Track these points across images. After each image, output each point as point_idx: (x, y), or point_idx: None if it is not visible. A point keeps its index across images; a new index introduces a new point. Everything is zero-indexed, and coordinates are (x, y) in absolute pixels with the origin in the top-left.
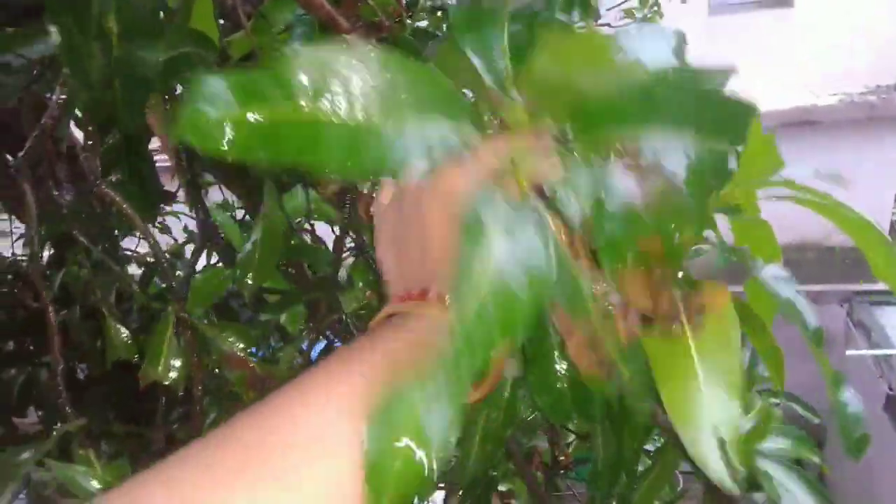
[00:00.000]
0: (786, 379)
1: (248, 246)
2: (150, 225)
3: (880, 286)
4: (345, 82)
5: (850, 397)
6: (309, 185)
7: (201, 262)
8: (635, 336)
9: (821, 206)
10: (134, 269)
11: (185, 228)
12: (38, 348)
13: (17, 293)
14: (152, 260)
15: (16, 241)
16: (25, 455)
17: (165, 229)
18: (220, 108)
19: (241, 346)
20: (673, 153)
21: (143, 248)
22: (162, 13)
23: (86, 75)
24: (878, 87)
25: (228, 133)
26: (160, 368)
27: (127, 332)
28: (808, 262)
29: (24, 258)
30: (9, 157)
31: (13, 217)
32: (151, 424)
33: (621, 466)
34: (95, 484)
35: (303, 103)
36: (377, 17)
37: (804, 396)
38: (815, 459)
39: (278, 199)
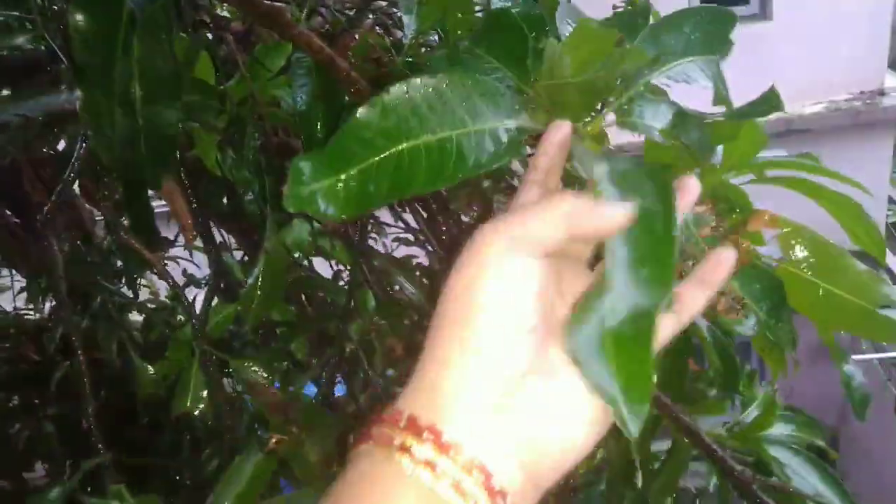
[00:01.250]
0: (797, 387)
1: (251, 280)
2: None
3: None
4: (409, 114)
5: (852, 369)
6: (312, 219)
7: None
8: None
9: (806, 185)
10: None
11: (185, 272)
12: (41, 402)
13: (20, 347)
14: (153, 306)
15: (17, 294)
16: (55, 492)
17: (164, 274)
18: (312, 183)
19: (264, 375)
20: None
21: (142, 295)
22: None
23: (109, 138)
24: (862, 94)
25: (326, 200)
26: (188, 401)
27: (152, 369)
28: None
29: (26, 311)
30: (7, 211)
31: (13, 271)
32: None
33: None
34: None
35: (382, 143)
36: (370, 54)
37: (817, 403)
38: (820, 443)
39: (278, 233)
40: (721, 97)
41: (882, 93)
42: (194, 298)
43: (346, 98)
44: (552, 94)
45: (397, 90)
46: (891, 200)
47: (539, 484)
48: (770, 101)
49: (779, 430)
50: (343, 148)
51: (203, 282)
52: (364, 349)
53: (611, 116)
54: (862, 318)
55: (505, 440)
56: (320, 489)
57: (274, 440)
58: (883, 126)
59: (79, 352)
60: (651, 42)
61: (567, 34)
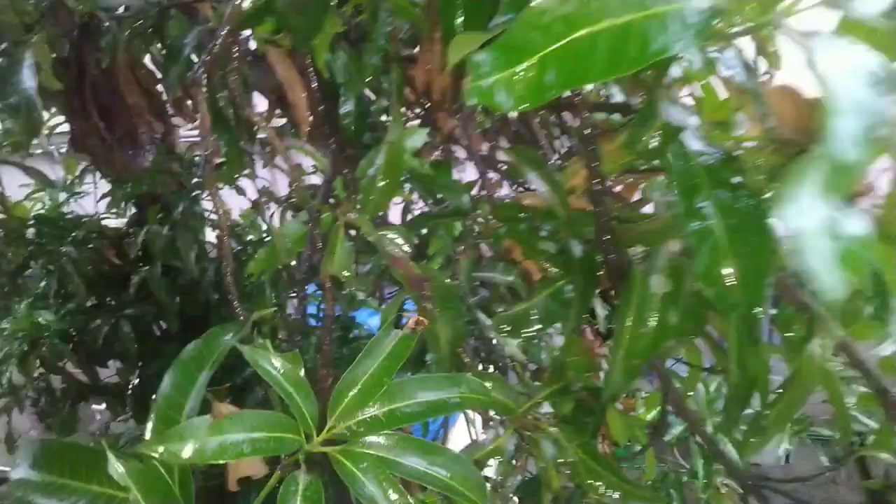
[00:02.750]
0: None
1: (371, 171)
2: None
3: None
4: None
5: None
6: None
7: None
8: None
9: None
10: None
11: (263, 188)
12: (119, 303)
13: (102, 250)
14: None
15: (99, 200)
16: (227, 337)
17: (240, 191)
18: (491, 75)
19: (405, 247)
20: None
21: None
22: None
23: None
24: None
25: (505, 92)
26: (336, 265)
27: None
28: None
29: (107, 216)
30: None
31: (96, 176)
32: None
33: (754, 387)
34: (277, 364)
35: (561, 28)
36: None
37: None
38: None
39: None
40: None
41: None
42: (272, 215)
43: None
44: None
45: None
46: None
47: None
48: None
49: None
50: (521, 37)
51: (283, 200)
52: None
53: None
54: None
55: None
56: (446, 369)
57: (414, 320)
58: None
59: (157, 261)
60: None
61: None
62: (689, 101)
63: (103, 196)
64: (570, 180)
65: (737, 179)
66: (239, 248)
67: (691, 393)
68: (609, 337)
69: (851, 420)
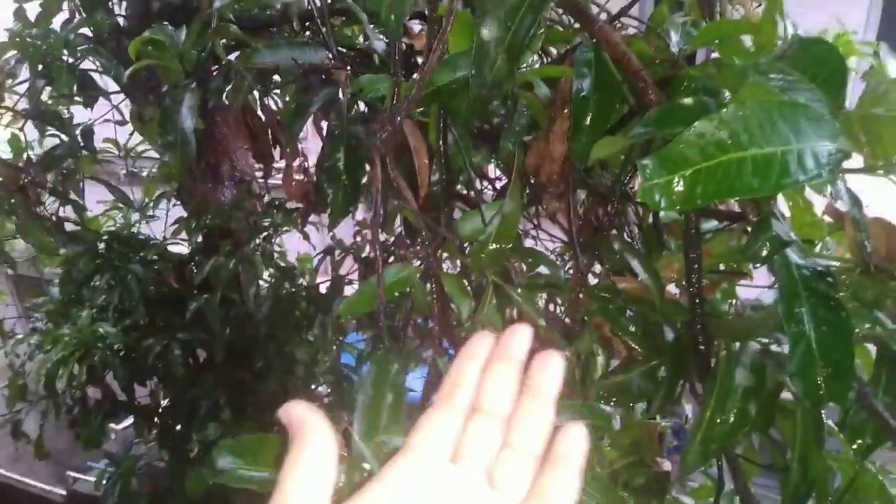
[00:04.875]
0: None
1: (483, 236)
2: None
3: None
4: (741, 129)
5: None
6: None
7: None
8: None
9: None
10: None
11: (333, 237)
12: (171, 325)
13: (164, 273)
14: (283, 264)
15: (171, 225)
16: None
17: (306, 236)
18: (652, 178)
19: (534, 307)
20: None
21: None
22: None
23: (485, 77)
24: None
25: (661, 195)
26: (484, 319)
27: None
28: None
29: (172, 242)
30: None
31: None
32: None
33: (813, 489)
34: None
35: (715, 150)
36: (658, 57)
37: None
38: None
39: (518, 199)
40: None
41: None
42: (320, 261)
43: (621, 95)
44: (869, 123)
45: (732, 108)
46: None
47: None
48: None
49: None
50: (680, 152)
51: (350, 249)
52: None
53: None
54: None
55: None
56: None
57: None
58: None
59: (218, 290)
60: None
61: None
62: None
63: (175, 222)
64: (661, 272)
65: (829, 292)
66: (293, 290)
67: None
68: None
69: None
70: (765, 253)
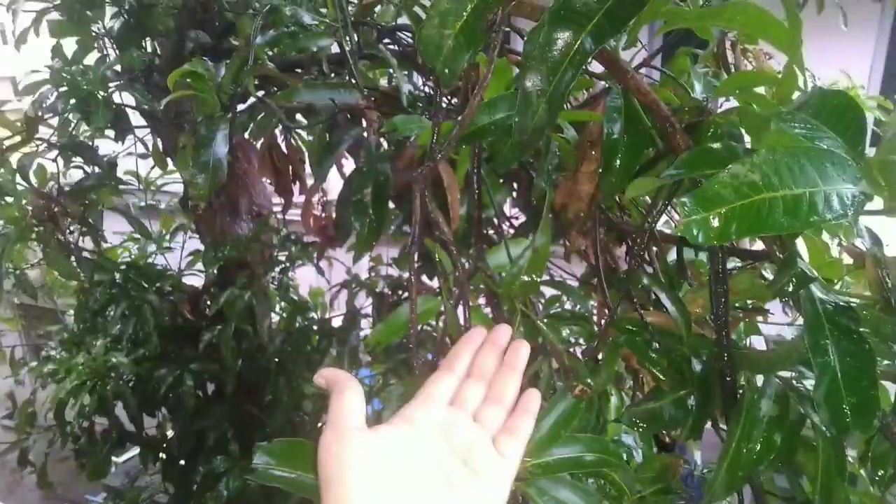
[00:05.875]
0: None
1: (514, 269)
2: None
3: None
4: (771, 171)
5: None
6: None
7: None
8: None
9: None
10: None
11: (349, 271)
12: (183, 356)
13: (178, 304)
14: (295, 297)
15: (187, 256)
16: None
17: (320, 270)
18: (691, 215)
19: (559, 337)
20: None
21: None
22: None
23: (527, 125)
24: None
25: (698, 230)
26: None
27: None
28: None
29: (188, 273)
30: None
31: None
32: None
33: None
34: None
35: (748, 190)
36: (676, 105)
37: None
38: None
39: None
40: None
41: None
42: (334, 295)
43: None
44: (888, 169)
45: (763, 152)
46: None
47: None
48: None
49: None
50: (715, 191)
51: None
52: None
53: None
54: None
55: None
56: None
57: (578, 388)
58: None
59: (232, 322)
60: None
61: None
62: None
63: (190, 254)
64: (687, 306)
65: (851, 326)
66: (305, 323)
67: None
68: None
69: None
70: (790, 288)
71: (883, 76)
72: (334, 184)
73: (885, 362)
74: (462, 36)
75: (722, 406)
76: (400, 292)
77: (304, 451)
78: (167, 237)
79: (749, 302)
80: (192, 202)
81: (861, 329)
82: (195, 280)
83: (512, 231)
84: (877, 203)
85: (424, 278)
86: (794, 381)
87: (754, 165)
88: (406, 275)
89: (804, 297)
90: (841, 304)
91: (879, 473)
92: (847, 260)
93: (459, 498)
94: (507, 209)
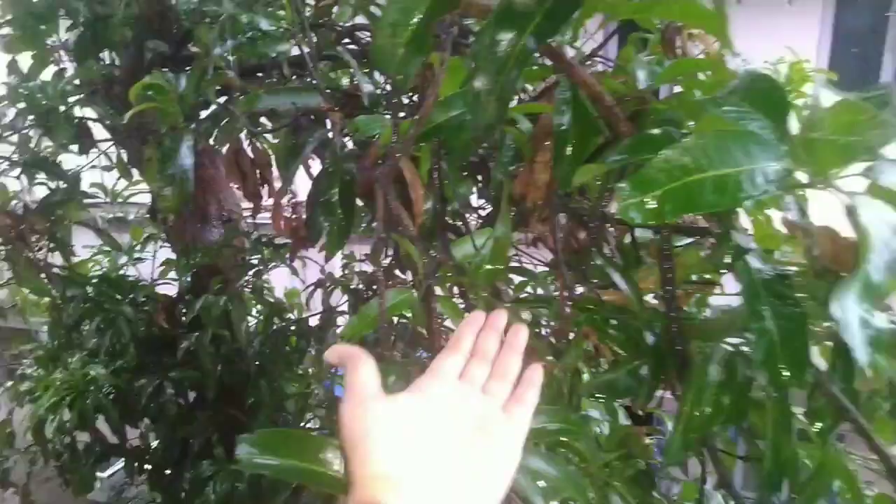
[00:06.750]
0: None
1: (478, 259)
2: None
3: None
4: (700, 154)
5: None
6: None
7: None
8: None
9: None
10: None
11: (322, 270)
12: (162, 365)
13: (154, 314)
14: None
15: (160, 266)
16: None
17: (294, 272)
18: (628, 199)
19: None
20: None
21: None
22: None
23: (480, 123)
24: None
25: (635, 212)
26: None
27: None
28: None
29: (163, 282)
30: None
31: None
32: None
33: (785, 474)
34: None
35: (679, 173)
36: (630, 93)
37: None
38: None
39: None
40: None
41: None
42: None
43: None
44: (810, 146)
45: (693, 137)
46: None
47: None
48: None
49: None
50: (649, 175)
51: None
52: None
53: (855, 169)
54: None
55: None
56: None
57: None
58: None
59: (209, 329)
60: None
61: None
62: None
63: (163, 263)
64: (640, 283)
65: (786, 292)
66: (282, 324)
67: None
68: (644, 419)
69: None
70: (728, 260)
71: (831, 48)
72: (304, 185)
73: (825, 324)
74: (412, 44)
75: (675, 375)
76: (374, 287)
77: (286, 439)
78: (138, 248)
79: (705, 276)
80: (161, 213)
81: (797, 294)
82: (169, 289)
83: (480, 222)
84: None
85: (400, 272)
86: (740, 348)
87: (685, 149)
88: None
89: (741, 267)
90: (776, 272)
91: (818, 426)
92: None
93: (477, 455)
94: (477, 201)
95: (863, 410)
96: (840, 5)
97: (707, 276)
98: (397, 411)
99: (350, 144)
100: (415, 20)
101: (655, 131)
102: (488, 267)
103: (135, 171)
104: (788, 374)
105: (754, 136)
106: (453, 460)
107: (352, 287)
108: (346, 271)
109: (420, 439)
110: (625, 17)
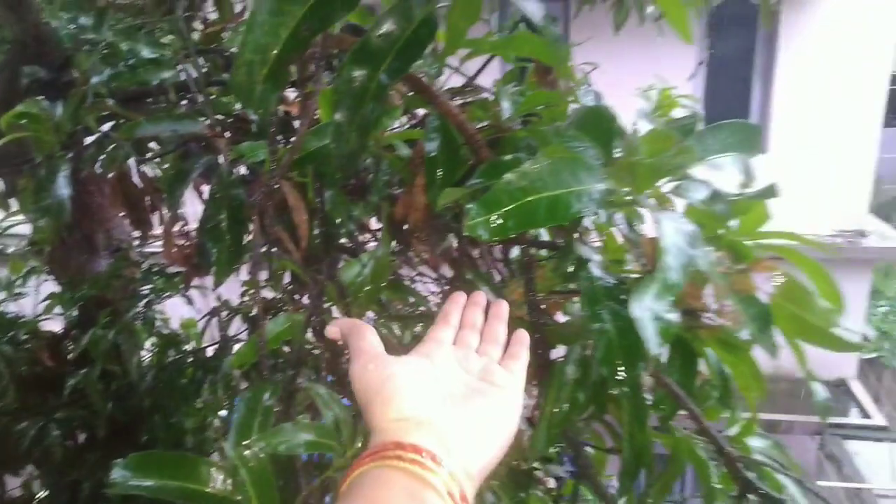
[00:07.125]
0: None
1: (360, 278)
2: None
3: (852, 420)
4: (537, 177)
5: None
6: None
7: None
8: None
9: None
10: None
11: (219, 298)
12: (47, 406)
13: (37, 351)
14: (166, 331)
15: (41, 302)
16: (267, 394)
17: (189, 301)
18: (475, 218)
19: (392, 333)
20: None
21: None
22: None
23: (343, 153)
24: (844, 232)
25: (483, 230)
26: None
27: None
28: (780, 392)
29: (45, 318)
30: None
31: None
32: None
33: (641, 462)
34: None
35: (519, 194)
36: (487, 119)
37: None
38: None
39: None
40: (744, 184)
41: (863, 234)
42: (206, 324)
43: (463, 153)
44: (629, 168)
45: (533, 163)
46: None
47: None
48: (769, 191)
49: (756, 443)
50: (494, 197)
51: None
52: None
53: (668, 187)
54: (820, 334)
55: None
56: None
57: None
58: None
59: (98, 364)
60: (699, 141)
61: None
62: (600, 245)
63: (46, 298)
64: (510, 295)
65: (623, 296)
66: (178, 356)
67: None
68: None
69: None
70: (571, 269)
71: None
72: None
73: None
74: (269, 82)
75: (540, 376)
76: (273, 312)
77: (160, 460)
78: (18, 282)
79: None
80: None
81: None
82: (55, 325)
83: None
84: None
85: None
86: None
87: (524, 174)
88: (278, 295)
89: (582, 276)
90: (613, 279)
91: (661, 408)
92: None
93: (485, 401)
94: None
95: (695, 398)
96: (713, 36)
97: (572, 286)
98: (408, 365)
99: (244, 170)
100: (271, 59)
101: (507, 157)
102: (369, 287)
103: (13, 202)
104: (623, 369)
105: (583, 162)
106: (465, 404)
107: (250, 314)
108: (246, 298)
109: (433, 386)
110: (487, 52)
